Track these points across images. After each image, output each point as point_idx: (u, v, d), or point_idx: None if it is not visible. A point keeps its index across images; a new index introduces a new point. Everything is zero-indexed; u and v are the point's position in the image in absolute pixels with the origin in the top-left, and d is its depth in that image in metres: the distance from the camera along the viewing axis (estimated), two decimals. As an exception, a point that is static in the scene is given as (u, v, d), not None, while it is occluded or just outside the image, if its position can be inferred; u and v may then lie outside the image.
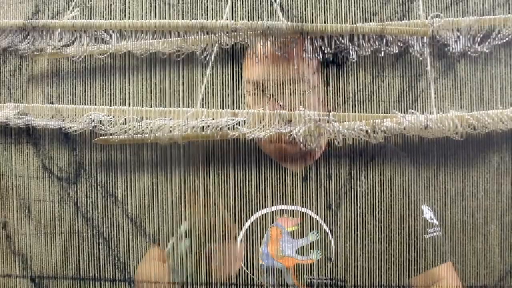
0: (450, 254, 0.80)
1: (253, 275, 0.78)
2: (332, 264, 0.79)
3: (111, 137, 0.77)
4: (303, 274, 0.78)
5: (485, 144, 0.79)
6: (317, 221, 0.78)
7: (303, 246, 0.78)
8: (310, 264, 0.78)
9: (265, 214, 0.79)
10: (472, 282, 0.80)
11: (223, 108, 0.77)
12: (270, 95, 0.75)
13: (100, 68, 0.80)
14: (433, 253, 0.78)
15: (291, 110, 0.75)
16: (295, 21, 0.76)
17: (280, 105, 0.75)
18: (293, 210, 0.79)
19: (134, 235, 0.82)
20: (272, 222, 0.79)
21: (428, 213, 0.79)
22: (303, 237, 0.78)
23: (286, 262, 0.78)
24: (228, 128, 0.76)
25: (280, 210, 0.78)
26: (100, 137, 0.78)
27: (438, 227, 0.79)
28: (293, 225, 0.78)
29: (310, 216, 0.78)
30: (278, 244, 0.78)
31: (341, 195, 0.79)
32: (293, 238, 0.78)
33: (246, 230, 0.79)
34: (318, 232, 0.78)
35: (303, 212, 0.79)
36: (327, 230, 0.78)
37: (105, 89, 0.80)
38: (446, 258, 0.79)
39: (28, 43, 0.79)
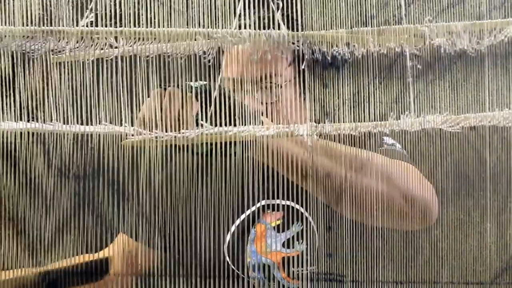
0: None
1: (242, 273, 0.81)
2: (331, 259, 0.81)
3: (136, 139, 0.77)
4: (291, 267, 0.80)
5: (481, 144, 0.80)
6: (300, 211, 0.80)
7: (289, 239, 0.80)
8: (298, 256, 0.80)
9: (252, 212, 0.81)
10: (469, 279, 0.81)
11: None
12: (246, 90, 0.78)
13: (108, 71, 0.82)
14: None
15: (267, 103, 0.79)
16: (295, 26, 0.78)
17: (257, 99, 0.78)
18: (276, 204, 0.81)
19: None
20: (258, 218, 0.81)
21: (388, 140, 0.81)
22: (287, 229, 0.80)
23: (273, 257, 0.80)
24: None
25: (264, 205, 0.81)
26: (127, 139, 0.77)
27: (400, 147, 0.80)
28: (276, 219, 0.80)
29: (292, 207, 0.80)
30: (264, 240, 0.80)
31: (340, 193, 0.81)
32: (278, 232, 0.80)
33: (234, 230, 0.81)
34: (300, 223, 0.80)
35: (285, 205, 0.81)
36: (310, 219, 0.80)
37: (113, 92, 0.82)
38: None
39: (38, 47, 0.82)
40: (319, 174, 0.73)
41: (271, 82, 0.78)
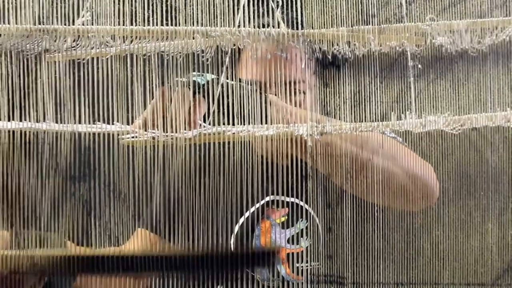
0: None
1: (248, 269, 0.80)
2: (332, 261, 0.80)
3: (133, 138, 0.76)
4: (295, 263, 0.80)
5: (482, 143, 0.80)
6: (305, 208, 0.80)
7: (293, 235, 0.80)
8: (302, 252, 0.80)
9: (257, 208, 0.80)
10: (470, 280, 0.81)
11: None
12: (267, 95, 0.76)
13: (103, 70, 0.81)
14: None
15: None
16: (295, 24, 0.77)
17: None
18: (281, 201, 0.80)
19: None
20: (263, 215, 0.80)
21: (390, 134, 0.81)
22: (292, 226, 0.80)
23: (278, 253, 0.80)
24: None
25: (269, 201, 0.80)
26: (123, 138, 0.77)
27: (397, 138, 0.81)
28: (282, 215, 0.80)
29: (297, 204, 0.80)
30: (269, 236, 0.80)
31: (341, 193, 0.81)
32: (283, 228, 0.80)
33: (241, 225, 0.80)
34: (305, 220, 0.80)
35: (290, 202, 0.80)
36: (315, 216, 0.80)
37: (108, 91, 0.81)
38: None
39: (34, 46, 0.81)
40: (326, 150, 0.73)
41: (295, 88, 0.77)
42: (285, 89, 0.76)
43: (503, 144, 0.79)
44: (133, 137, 0.75)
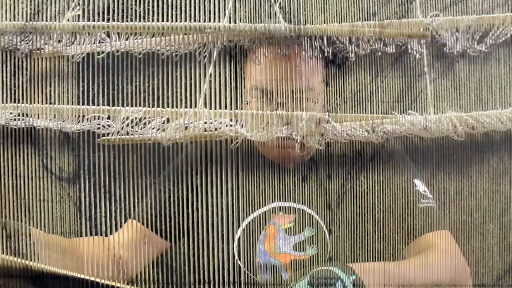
0: (447, 224, 0.78)
1: (250, 272, 0.79)
2: (332, 263, 0.79)
3: (113, 137, 0.77)
4: (299, 269, 0.78)
5: (483, 144, 0.79)
6: (312, 216, 0.79)
7: (299, 242, 0.79)
8: (306, 259, 0.79)
9: (262, 213, 0.79)
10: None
11: (225, 109, 0.77)
12: (278, 103, 0.75)
13: (100, 68, 0.80)
14: (427, 220, 0.77)
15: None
16: (295, 22, 0.77)
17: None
18: (288, 207, 0.79)
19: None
20: (269, 220, 0.79)
21: (421, 187, 0.79)
22: (298, 233, 0.79)
23: (281, 259, 0.79)
24: (228, 126, 0.76)
25: (276, 207, 0.79)
26: (103, 137, 0.78)
27: (432, 199, 0.79)
28: (288, 222, 0.79)
29: (305, 212, 0.79)
30: (274, 241, 0.79)
31: (341, 194, 0.80)
32: (289, 235, 0.79)
33: (244, 228, 0.79)
34: (313, 228, 0.79)
35: (298, 209, 0.79)
36: (322, 225, 0.79)
37: (105, 89, 0.80)
38: (441, 226, 0.77)
39: (28, 43, 0.79)
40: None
41: (306, 96, 0.75)
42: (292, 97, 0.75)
43: (504, 144, 0.79)
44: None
